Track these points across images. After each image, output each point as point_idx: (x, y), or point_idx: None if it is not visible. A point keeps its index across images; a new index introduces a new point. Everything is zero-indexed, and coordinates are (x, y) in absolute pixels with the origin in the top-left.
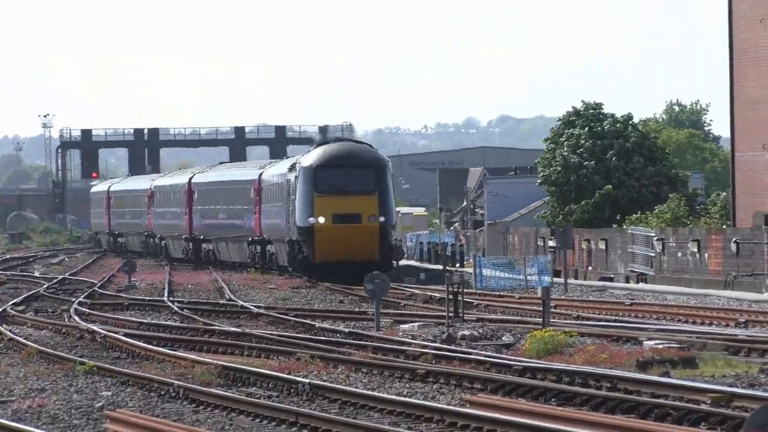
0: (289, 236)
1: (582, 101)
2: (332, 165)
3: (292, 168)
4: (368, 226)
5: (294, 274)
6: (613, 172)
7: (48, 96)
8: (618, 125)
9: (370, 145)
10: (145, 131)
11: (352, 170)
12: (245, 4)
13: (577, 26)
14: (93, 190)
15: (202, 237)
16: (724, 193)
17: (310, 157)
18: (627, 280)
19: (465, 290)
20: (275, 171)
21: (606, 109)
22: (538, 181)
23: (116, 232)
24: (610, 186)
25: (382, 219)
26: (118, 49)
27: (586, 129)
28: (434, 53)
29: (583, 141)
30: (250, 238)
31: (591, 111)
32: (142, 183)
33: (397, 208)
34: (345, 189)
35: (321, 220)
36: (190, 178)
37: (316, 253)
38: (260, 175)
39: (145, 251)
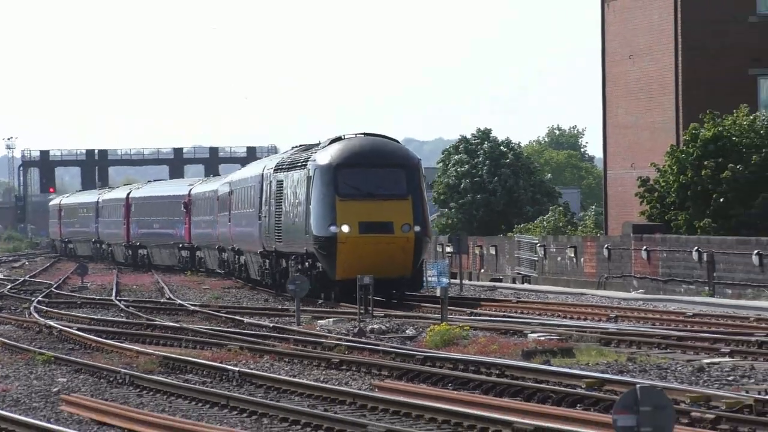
0: (261, 248)
1: (477, 128)
2: (356, 164)
3: (287, 167)
4: (401, 237)
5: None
6: (486, 184)
7: (11, 120)
8: (499, 148)
9: (398, 141)
10: (96, 152)
11: (380, 170)
12: (180, 42)
13: (472, 58)
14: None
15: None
16: (594, 206)
17: (327, 153)
18: (514, 281)
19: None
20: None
21: (496, 133)
22: (432, 200)
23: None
24: (478, 195)
25: (417, 229)
26: (73, 77)
27: (471, 155)
28: (344, 77)
29: (465, 166)
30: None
31: (476, 139)
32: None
33: None
34: (373, 192)
35: (345, 229)
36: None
37: (337, 269)
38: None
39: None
